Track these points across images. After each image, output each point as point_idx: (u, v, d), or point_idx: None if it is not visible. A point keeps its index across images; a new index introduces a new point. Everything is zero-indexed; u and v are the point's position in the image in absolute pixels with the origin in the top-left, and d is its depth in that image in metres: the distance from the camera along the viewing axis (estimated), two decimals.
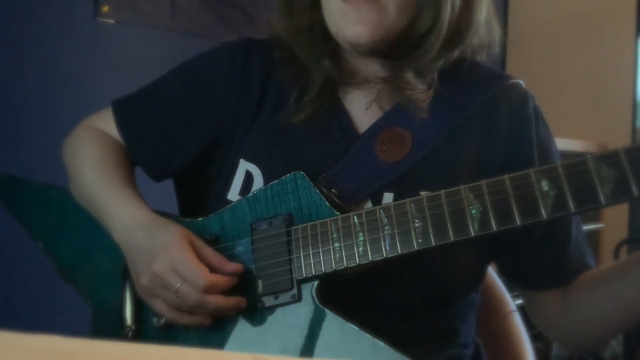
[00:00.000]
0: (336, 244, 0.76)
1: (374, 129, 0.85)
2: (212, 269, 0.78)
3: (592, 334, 0.87)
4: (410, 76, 0.83)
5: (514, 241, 0.86)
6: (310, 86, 0.87)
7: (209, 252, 0.80)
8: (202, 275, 0.76)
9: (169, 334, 0.84)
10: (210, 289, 0.76)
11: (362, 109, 0.88)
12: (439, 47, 0.82)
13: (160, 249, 0.78)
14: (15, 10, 1.70)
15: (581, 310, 0.85)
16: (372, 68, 0.87)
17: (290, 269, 0.78)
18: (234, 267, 0.79)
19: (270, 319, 0.79)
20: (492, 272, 1.14)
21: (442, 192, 0.73)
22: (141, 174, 0.97)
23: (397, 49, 0.83)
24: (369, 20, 0.79)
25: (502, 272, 0.97)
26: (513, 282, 0.95)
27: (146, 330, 0.86)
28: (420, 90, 0.83)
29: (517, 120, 0.87)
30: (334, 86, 0.89)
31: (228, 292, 0.79)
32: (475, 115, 0.86)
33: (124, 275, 0.87)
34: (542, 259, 0.87)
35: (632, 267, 0.80)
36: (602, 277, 0.84)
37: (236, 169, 0.88)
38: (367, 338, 0.73)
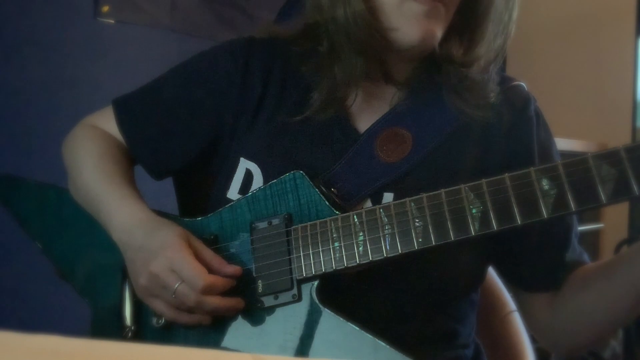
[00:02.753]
0: (336, 244, 0.76)
1: (375, 128, 0.85)
2: (211, 270, 0.78)
3: (580, 334, 0.87)
4: (477, 75, 0.83)
5: (515, 242, 0.86)
6: (341, 80, 0.83)
7: (208, 253, 0.80)
8: (200, 276, 0.76)
9: (169, 334, 0.83)
10: (208, 290, 0.76)
11: (363, 108, 0.88)
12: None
13: (158, 249, 0.78)
14: (16, 10, 1.70)
15: (569, 309, 0.85)
16: (409, 74, 0.86)
17: (290, 269, 0.78)
18: (232, 269, 0.79)
19: (270, 319, 0.79)
20: (492, 272, 1.14)
21: (442, 191, 0.73)
22: (140, 173, 0.97)
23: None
24: (438, 18, 0.76)
25: (500, 274, 0.96)
26: (511, 283, 0.95)
27: (145, 330, 0.86)
28: (490, 88, 0.84)
29: (519, 122, 0.87)
30: (357, 83, 0.84)
31: (228, 292, 0.79)
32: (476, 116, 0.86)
33: (123, 275, 0.87)
34: (542, 261, 0.87)
35: (618, 266, 0.80)
36: (589, 276, 0.84)
37: (236, 168, 0.88)
38: (367, 338, 0.73)
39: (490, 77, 0.84)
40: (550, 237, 0.86)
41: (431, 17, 0.77)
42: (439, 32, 0.78)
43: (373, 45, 0.80)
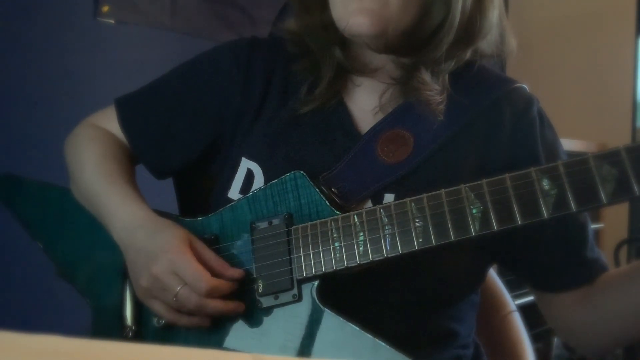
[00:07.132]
0: (336, 244, 0.76)
1: (376, 129, 0.85)
2: (213, 273, 0.78)
3: (617, 335, 0.86)
4: (427, 76, 0.83)
5: (529, 242, 0.85)
6: (323, 77, 0.87)
7: (210, 256, 0.80)
8: (202, 279, 0.75)
9: (169, 334, 0.83)
10: (211, 293, 0.76)
11: (365, 108, 0.88)
12: (450, 45, 0.81)
13: (160, 251, 0.78)
14: (16, 10, 1.70)
15: (608, 311, 0.83)
16: (385, 65, 0.87)
17: (291, 269, 0.78)
18: (235, 272, 0.79)
19: (270, 319, 0.79)
20: (492, 272, 1.14)
21: (443, 191, 0.73)
22: (141, 173, 0.96)
23: (408, 44, 0.82)
24: (370, 10, 0.77)
25: (516, 275, 0.93)
26: (529, 284, 0.92)
27: (146, 330, 0.86)
28: (435, 91, 0.83)
29: (521, 124, 0.86)
30: (345, 78, 0.89)
31: (228, 293, 0.79)
32: (478, 118, 0.85)
33: (124, 275, 0.87)
34: (561, 259, 0.86)
35: None
36: (628, 275, 0.82)
37: (237, 167, 0.88)
38: (367, 338, 0.73)
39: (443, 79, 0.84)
40: (568, 235, 0.85)
41: (362, 9, 0.78)
42: (369, 21, 0.78)
43: (332, 38, 0.85)
